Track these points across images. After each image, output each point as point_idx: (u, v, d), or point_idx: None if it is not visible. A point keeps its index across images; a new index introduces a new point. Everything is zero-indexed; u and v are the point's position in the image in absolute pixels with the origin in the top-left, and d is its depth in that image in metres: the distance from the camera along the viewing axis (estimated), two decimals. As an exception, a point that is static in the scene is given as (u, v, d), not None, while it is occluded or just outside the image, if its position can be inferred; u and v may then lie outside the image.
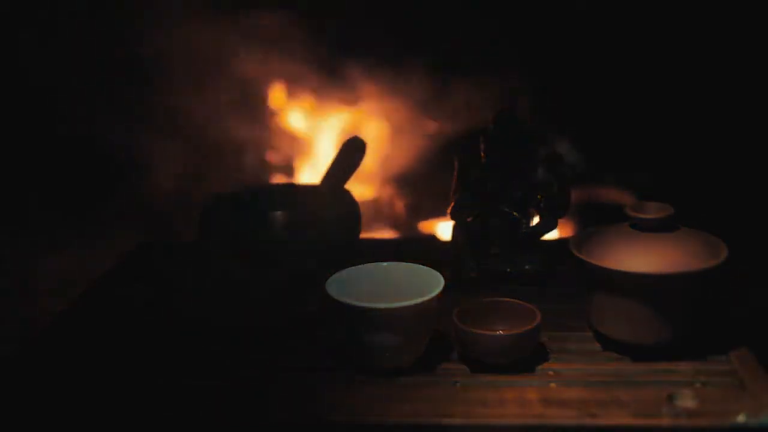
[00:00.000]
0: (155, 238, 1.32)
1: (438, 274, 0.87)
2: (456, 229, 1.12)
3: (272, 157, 1.62)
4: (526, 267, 1.06)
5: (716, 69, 1.41)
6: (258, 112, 1.61)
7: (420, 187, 1.61)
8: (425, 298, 0.81)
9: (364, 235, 1.17)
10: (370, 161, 1.12)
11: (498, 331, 0.86)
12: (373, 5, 1.50)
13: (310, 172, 1.58)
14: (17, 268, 1.44)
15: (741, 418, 0.72)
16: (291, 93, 1.61)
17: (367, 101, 1.57)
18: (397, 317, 0.80)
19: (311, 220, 1.03)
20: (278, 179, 1.59)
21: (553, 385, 0.80)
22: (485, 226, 1.09)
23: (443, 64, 1.54)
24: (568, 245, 0.88)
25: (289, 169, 1.62)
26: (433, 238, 1.55)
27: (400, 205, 1.62)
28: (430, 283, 0.84)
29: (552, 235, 1.10)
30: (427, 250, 1.20)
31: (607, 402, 0.76)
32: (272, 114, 1.62)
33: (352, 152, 1.09)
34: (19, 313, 1.27)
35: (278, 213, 1.02)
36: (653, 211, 0.86)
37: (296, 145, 1.63)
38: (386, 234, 1.59)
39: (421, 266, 0.90)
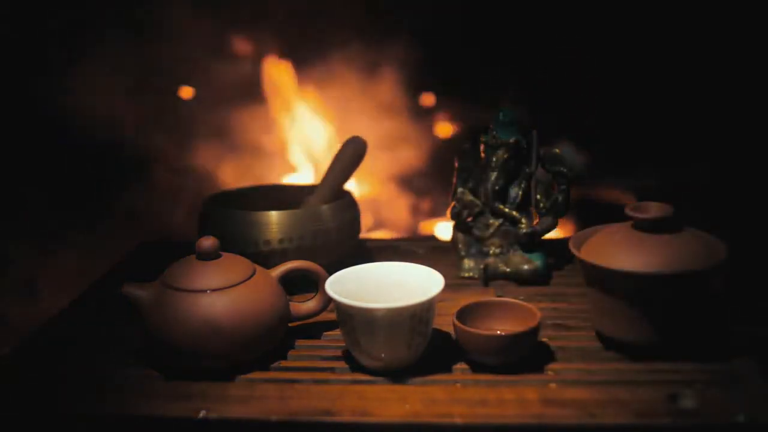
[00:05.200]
0: (155, 238, 1.32)
1: (438, 274, 0.87)
2: (456, 229, 1.12)
3: (272, 157, 1.63)
4: (526, 267, 1.06)
5: (716, 69, 1.42)
6: (257, 112, 1.61)
7: (420, 187, 1.61)
8: (425, 298, 0.81)
9: (364, 235, 1.17)
10: (370, 161, 1.11)
11: (498, 331, 0.86)
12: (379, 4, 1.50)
13: (311, 172, 1.58)
14: (18, 268, 1.45)
15: (741, 418, 0.72)
16: (290, 92, 1.61)
17: (367, 102, 1.57)
18: (397, 317, 0.80)
19: (311, 220, 1.03)
20: (278, 179, 1.59)
21: (553, 385, 0.80)
22: (485, 226, 1.09)
23: (444, 64, 1.54)
24: (568, 245, 0.88)
25: (289, 169, 1.62)
26: (433, 238, 1.55)
27: (400, 205, 1.62)
28: (430, 283, 0.84)
29: (552, 235, 1.10)
30: (427, 250, 1.20)
31: (607, 402, 0.76)
32: (272, 114, 1.62)
33: (352, 152, 1.09)
34: (19, 313, 1.27)
35: (278, 213, 1.02)
36: (653, 211, 0.86)
37: (296, 145, 1.63)
38: (386, 234, 1.59)
39: (421, 266, 0.89)
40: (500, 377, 0.82)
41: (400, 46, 1.52)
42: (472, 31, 1.51)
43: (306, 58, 1.58)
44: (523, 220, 1.07)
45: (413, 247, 1.22)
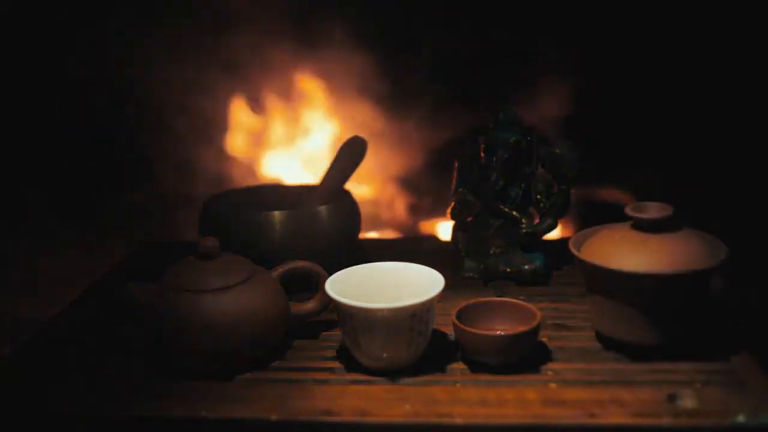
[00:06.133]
0: (155, 238, 1.32)
1: (438, 274, 0.87)
2: (456, 229, 1.12)
3: (273, 157, 1.62)
4: (526, 267, 1.06)
5: (716, 69, 1.41)
6: (257, 112, 1.61)
7: (420, 187, 1.61)
8: (425, 298, 0.81)
9: (364, 235, 1.17)
10: (370, 161, 1.11)
11: (498, 331, 0.86)
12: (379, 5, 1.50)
13: (311, 172, 1.58)
14: (17, 268, 1.44)
15: (741, 418, 0.72)
16: (291, 93, 1.60)
17: (367, 101, 1.57)
18: (397, 317, 0.80)
19: (311, 220, 1.03)
20: (279, 179, 1.59)
21: (553, 385, 0.80)
22: (485, 226, 1.09)
23: (443, 64, 1.54)
24: (568, 245, 0.88)
25: (289, 169, 1.62)
26: (433, 238, 1.55)
27: (400, 205, 1.62)
28: (430, 283, 0.84)
29: (552, 235, 1.10)
30: (427, 250, 1.20)
31: (607, 402, 0.76)
32: (272, 115, 1.62)
33: (352, 152, 1.09)
34: (19, 313, 1.27)
35: (278, 213, 1.02)
36: (653, 211, 0.86)
37: (296, 145, 1.63)
38: (386, 234, 1.59)
39: (421, 266, 0.90)
40: (500, 377, 0.82)
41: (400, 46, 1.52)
42: (472, 31, 1.51)
43: (304, 51, 1.58)
44: (523, 220, 1.07)
45: (413, 247, 1.22)
